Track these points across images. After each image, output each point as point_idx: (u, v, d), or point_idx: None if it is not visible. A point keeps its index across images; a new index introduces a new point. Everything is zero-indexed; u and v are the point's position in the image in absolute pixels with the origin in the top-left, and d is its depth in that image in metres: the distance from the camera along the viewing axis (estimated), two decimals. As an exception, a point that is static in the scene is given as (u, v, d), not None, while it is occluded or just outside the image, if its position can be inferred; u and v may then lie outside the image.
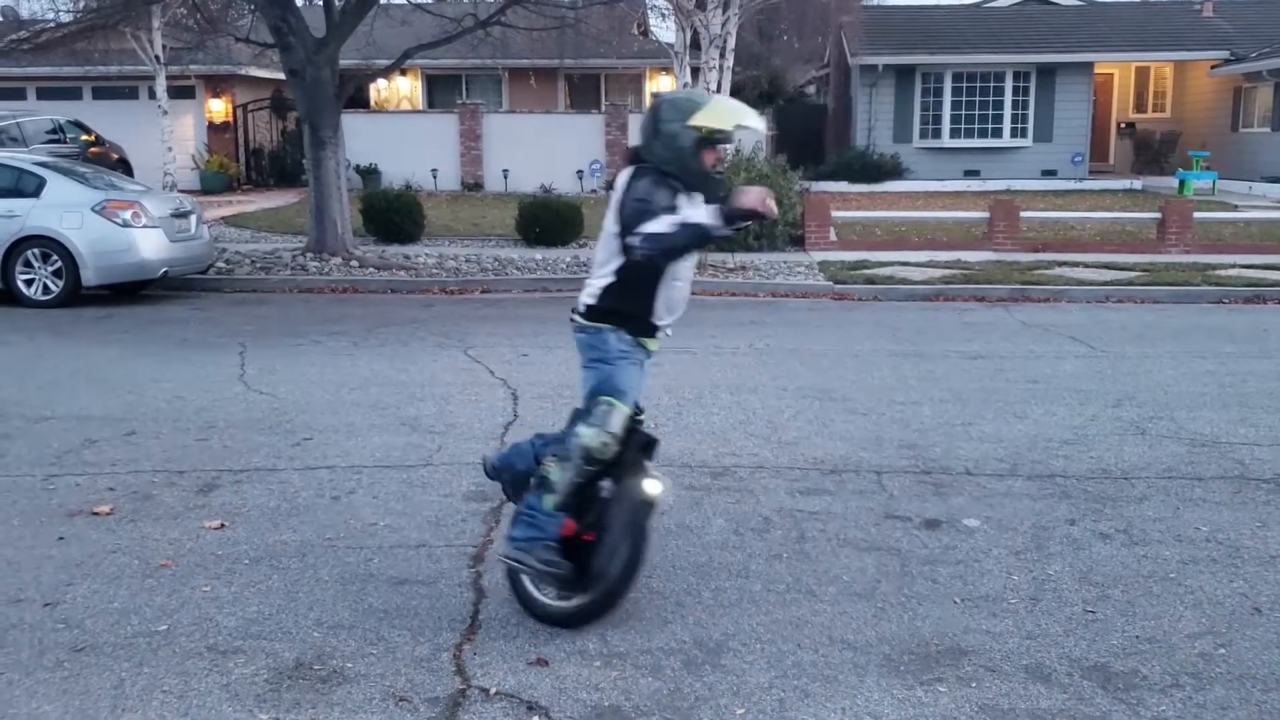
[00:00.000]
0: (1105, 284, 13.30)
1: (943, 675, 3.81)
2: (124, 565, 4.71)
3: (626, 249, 3.99)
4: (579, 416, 4.20)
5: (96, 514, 5.32)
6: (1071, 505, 5.54)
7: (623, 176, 4.15)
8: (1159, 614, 4.29)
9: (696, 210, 3.98)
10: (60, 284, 11.77)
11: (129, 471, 6.00)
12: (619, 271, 4.12)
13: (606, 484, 4.18)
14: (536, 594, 4.22)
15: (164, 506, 5.45)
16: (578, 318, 4.23)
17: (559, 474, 4.10)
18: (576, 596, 4.16)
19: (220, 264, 14.43)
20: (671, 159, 4.08)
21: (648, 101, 29.25)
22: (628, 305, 4.15)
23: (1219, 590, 4.52)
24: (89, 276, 11.82)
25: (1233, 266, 14.59)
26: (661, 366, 8.50)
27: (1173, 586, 4.56)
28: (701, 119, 4.04)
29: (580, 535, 4.19)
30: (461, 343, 9.76)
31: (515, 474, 4.44)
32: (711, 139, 4.08)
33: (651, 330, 4.23)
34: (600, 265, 4.18)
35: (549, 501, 4.11)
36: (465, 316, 11.38)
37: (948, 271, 14.20)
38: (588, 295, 4.20)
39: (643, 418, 4.29)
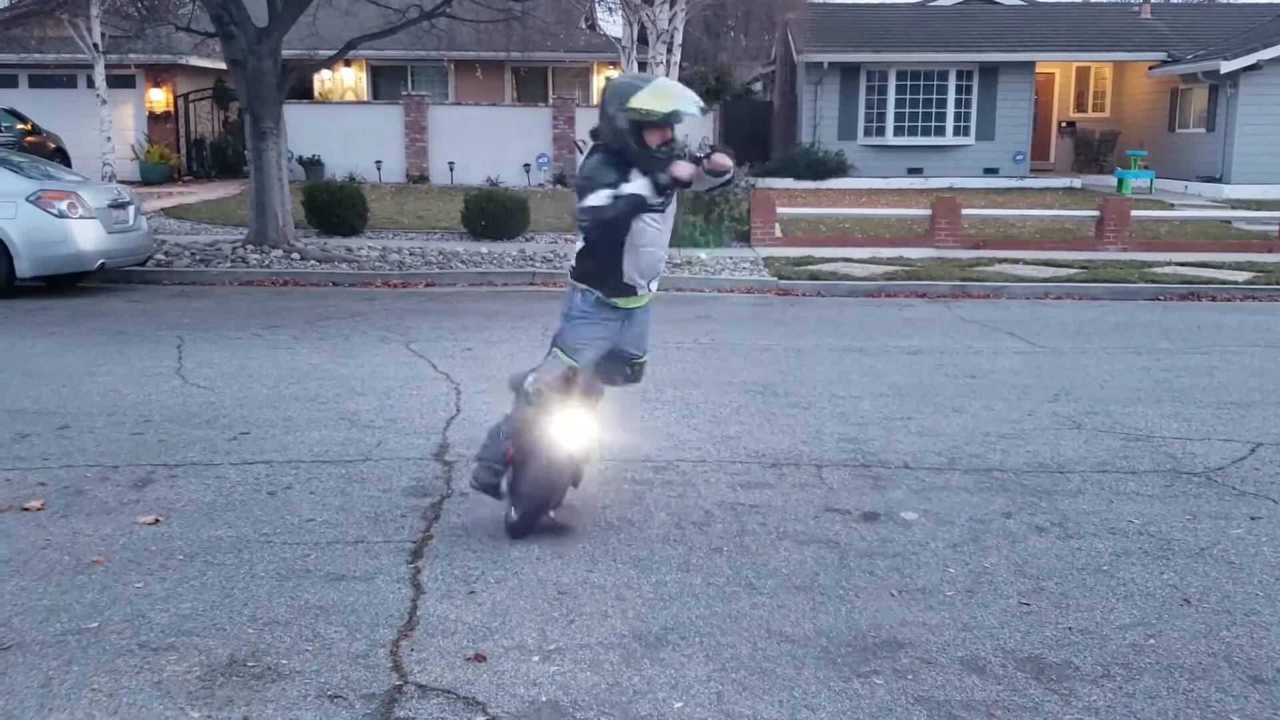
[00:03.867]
0: (1044, 281, 13.48)
1: (879, 668, 3.84)
2: (54, 561, 4.62)
3: (578, 221, 4.58)
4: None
5: (27, 509, 5.22)
6: (1008, 499, 5.61)
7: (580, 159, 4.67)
8: (1091, 606, 4.36)
9: (635, 183, 4.45)
10: (-7, 275, 11.53)
11: (61, 466, 5.89)
12: (586, 240, 4.69)
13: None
14: (510, 508, 4.95)
15: (97, 502, 5.35)
16: (569, 274, 4.84)
17: (512, 410, 4.86)
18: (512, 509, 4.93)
19: (159, 256, 14.20)
20: (614, 139, 4.52)
21: (596, 95, 29.27)
22: (598, 268, 4.67)
23: (1150, 582, 4.60)
24: (23, 268, 11.59)
25: (1168, 264, 14.85)
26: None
27: (1105, 579, 4.63)
28: (637, 101, 4.41)
29: (519, 462, 4.88)
30: (404, 337, 9.69)
31: None
32: (650, 121, 4.42)
33: (627, 290, 4.73)
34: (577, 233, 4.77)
35: (503, 430, 4.91)
36: (408, 310, 11.30)
37: (890, 268, 14.33)
38: (571, 258, 4.81)
39: (643, 359, 5.02)
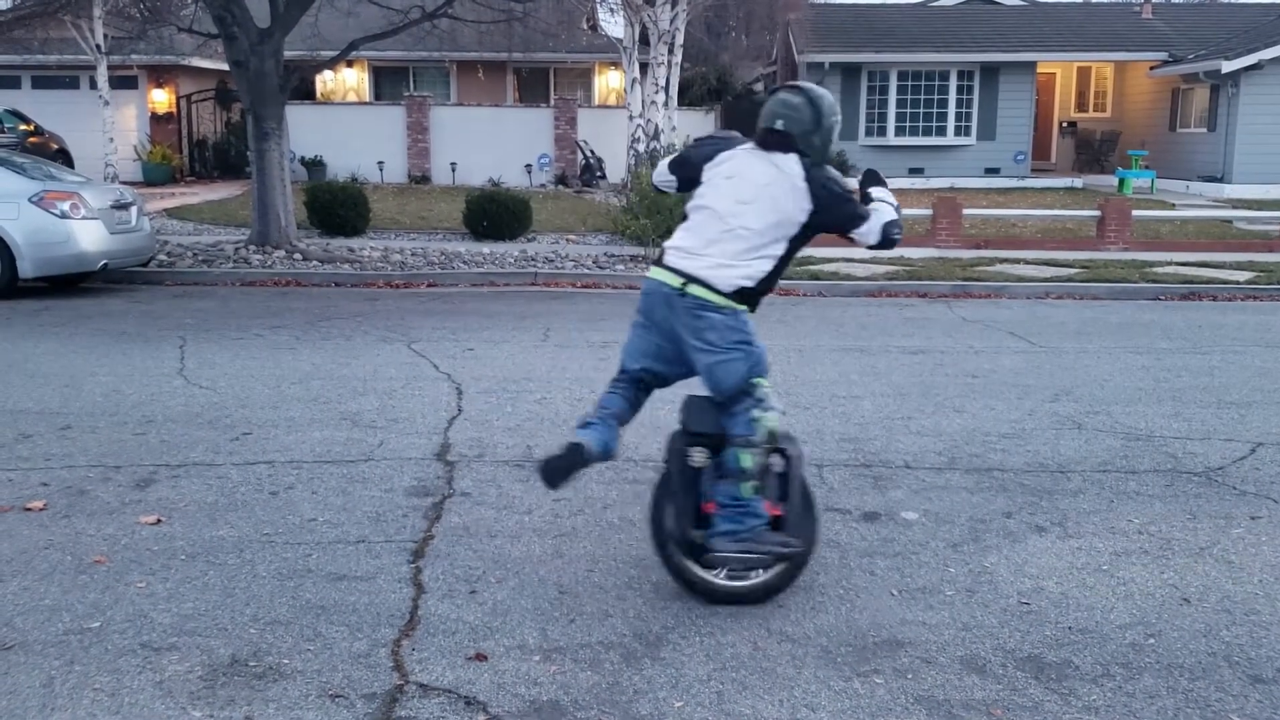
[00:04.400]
0: (1045, 280, 13.49)
1: (879, 667, 3.85)
2: (56, 561, 4.63)
3: (883, 241, 4.23)
4: (697, 404, 4.35)
5: (29, 509, 5.23)
6: (1008, 498, 5.61)
7: (794, 165, 4.18)
8: (1092, 605, 4.36)
9: (879, 191, 4.38)
10: (-5, 276, 11.56)
11: (64, 466, 5.90)
12: (781, 258, 4.22)
13: (776, 459, 4.25)
14: (700, 572, 4.29)
15: (99, 502, 5.36)
16: (713, 296, 4.12)
17: (750, 460, 4.10)
18: (755, 573, 4.26)
19: (161, 256, 14.23)
20: (823, 150, 4.27)
21: (598, 96, 29.32)
22: (770, 287, 4.27)
23: (1150, 582, 4.61)
24: (26, 269, 11.60)
25: (1169, 264, 14.85)
26: (606, 360, 8.50)
27: (1105, 578, 4.63)
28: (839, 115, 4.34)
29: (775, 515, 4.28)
30: (406, 337, 9.70)
31: (606, 458, 4.36)
32: None
33: (757, 308, 4.31)
34: (749, 251, 4.15)
35: (748, 489, 4.12)
36: (410, 310, 11.31)
37: (891, 268, 14.33)
38: (741, 276, 4.14)
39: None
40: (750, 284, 4.16)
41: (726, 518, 4.14)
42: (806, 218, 4.16)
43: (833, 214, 4.19)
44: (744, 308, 4.19)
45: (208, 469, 5.90)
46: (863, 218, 4.22)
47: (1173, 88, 26.87)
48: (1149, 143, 27.18)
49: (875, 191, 4.38)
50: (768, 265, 4.18)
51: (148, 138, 26.04)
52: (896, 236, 4.28)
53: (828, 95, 4.34)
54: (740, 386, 4.14)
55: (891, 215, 4.27)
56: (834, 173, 4.26)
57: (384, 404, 7.30)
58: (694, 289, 4.13)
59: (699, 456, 4.25)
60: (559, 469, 4.22)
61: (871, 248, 4.30)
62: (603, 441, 4.25)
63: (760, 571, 4.26)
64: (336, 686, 3.64)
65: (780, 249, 4.20)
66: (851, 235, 4.25)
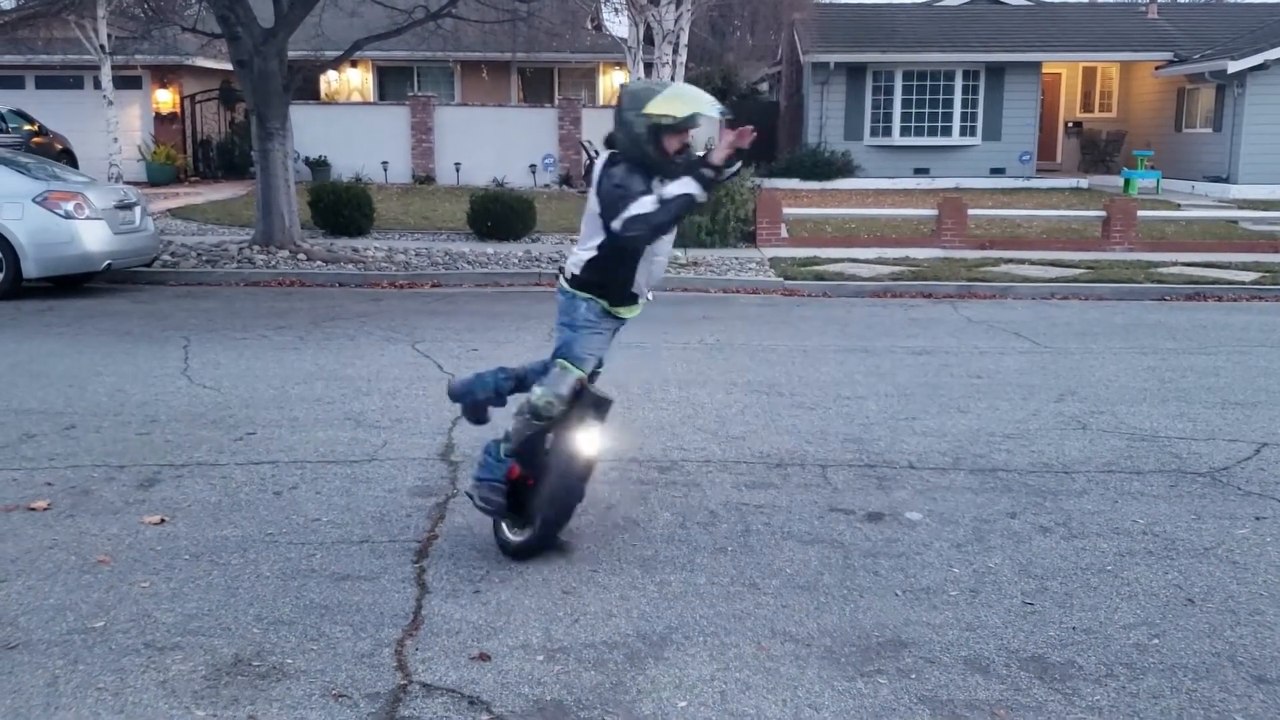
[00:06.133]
0: (1050, 281, 13.47)
1: (883, 667, 3.84)
2: (60, 561, 4.64)
3: (612, 233, 4.32)
4: (542, 371, 4.72)
5: (33, 509, 5.24)
6: (1012, 499, 5.60)
7: (600, 161, 4.43)
8: (1095, 605, 4.36)
9: (672, 186, 4.23)
10: (0, 276, 11.56)
11: (68, 466, 5.91)
12: (601, 248, 4.44)
13: (550, 436, 4.67)
14: (505, 529, 4.75)
15: (103, 501, 5.37)
16: (563, 281, 4.61)
17: (515, 425, 4.61)
18: (524, 532, 4.70)
19: (165, 257, 14.23)
20: (631, 146, 4.33)
21: (602, 96, 29.32)
22: (609, 278, 4.50)
23: (1154, 582, 4.60)
24: (30, 269, 11.62)
25: (1174, 264, 14.82)
26: (611, 361, 8.49)
27: (1109, 579, 4.63)
28: (654, 107, 4.25)
29: (525, 479, 4.72)
30: (410, 337, 9.71)
31: (475, 401, 4.96)
32: (668, 126, 4.26)
33: (631, 299, 4.60)
34: (584, 240, 4.52)
35: (503, 448, 4.64)
36: (414, 311, 11.32)
37: (896, 268, 14.32)
38: (573, 265, 4.56)
39: (601, 371, 4.81)
40: (577, 272, 4.54)
41: (481, 464, 4.72)
42: (599, 208, 4.38)
43: (604, 205, 4.34)
44: (584, 294, 4.53)
45: (212, 469, 5.90)
46: (617, 212, 4.23)
47: (1178, 88, 26.83)
48: (1154, 143, 27.14)
49: (670, 184, 4.25)
50: (590, 254, 4.48)
51: (152, 138, 26.07)
52: (631, 231, 4.20)
53: (633, 90, 4.38)
54: (551, 361, 4.63)
55: (641, 210, 4.17)
56: (619, 168, 4.32)
57: (388, 404, 7.30)
58: (559, 277, 4.68)
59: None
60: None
61: (616, 235, 4.29)
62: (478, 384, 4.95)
63: (521, 531, 4.71)
64: (340, 686, 3.64)
65: (598, 239, 4.43)
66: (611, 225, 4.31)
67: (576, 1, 24.24)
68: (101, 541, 4.86)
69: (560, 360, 4.56)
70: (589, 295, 4.51)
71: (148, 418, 6.90)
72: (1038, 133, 27.27)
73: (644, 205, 4.18)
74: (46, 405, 7.16)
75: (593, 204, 4.43)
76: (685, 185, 4.18)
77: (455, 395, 5.02)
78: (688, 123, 4.30)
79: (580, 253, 4.53)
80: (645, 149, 4.29)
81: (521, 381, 4.85)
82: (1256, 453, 6.43)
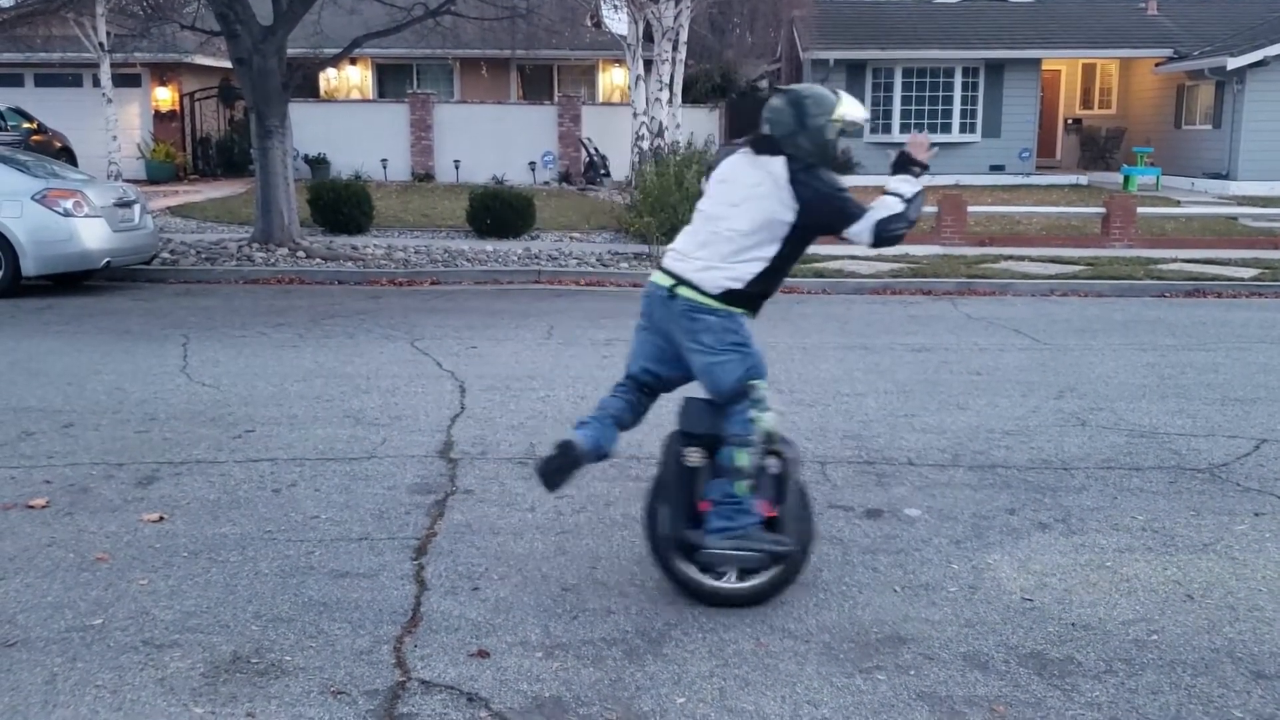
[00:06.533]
0: (1050, 278, 13.47)
1: (882, 663, 3.84)
2: (59, 559, 4.64)
3: (876, 240, 4.10)
4: (694, 405, 4.27)
5: (32, 507, 5.23)
6: (1011, 495, 5.60)
7: (774, 166, 4.15)
8: (1094, 601, 4.36)
9: (901, 185, 4.19)
10: (-1, 274, 11.57)
11: (66, 464, 5.90)
12: (775, 259, 4.16)
13: (772, 461, 4.23)
14: (707, 580, 4.25)
15: (101, 499, 5.37)
16: (705, 299, 4.14)
17: (746, 459, 4.10)
18: (756, 576, 4.22)
19: (165, 254, 14.23)
20: (815, 150, 4.19)
21: (602, 93, 29.32)
22: (767, 289, 4.23)
23: (1153, 578, 4.60)
24: (29, 266, 11.61)
25: (1174, 261, 14.82)
26: (610, 358, 8.50)
27: (1108, 575, 4.62)
28: (842, 112, 4.21)
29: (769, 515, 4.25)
30: (409, 335, 9.71)
31: (601, 456, 4.35)
32: (846, 131, 4.24)
33: (759, 310, 4.29)
34: (739, 253, 4.15)
35: (743, 487, 4.11)
36: (413, 308, 11.31)
37: (895, 265, 14.31)
38: (728, 278, 4.14)
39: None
40: (738, 285, 4.14)
41: (720, 514, 4.14)
42: (795, 218, 4.12)
43: (820, 213, 4.13)
44: (739, 310, 4.18)
45: (210, 466, 5.90)
46: (853, 216, 4.12)
47: (1178, 84, 26.82)
48: (1154, 140, 27.13)
49: (891, 182, 4.24)
50: (758, 267, 4.15)
51: (151, 135, 26.05)
52: (895, 232, 4.12)
53: (815, 95, 4.23)
54: (737, 388, 4.13)
55: (891, 210, 4.12)
56: (824, 173, 4.17)
57: (387, 402, 7.30)
58: (683, 290, 4.16)
59: (695, 456, 4.24)
60: (555, 469, 4.23)
61: (870, 246, 4.19)
62: (594, 439, 4.25)
63: (754, 576, 4.23)
64: (339, 683, 3.64)
65: (771, 250, 4.15)
66: (844, 235, 4.18)
67: (575, -2, 24.23)
68: (100, 539, 4.86)
69: (753, 382, 4.15)
70: (742, 309, 4.19)
71: (146, 415, 6.90)
72: (1037, 129, 27.24)
73: (891, 206, 4.12)
74: (45, 403, 7.16)
75: (753, 212, 4.13)
76: (915, 184, 4.20)
77: (587, 458, 4.27)
78: (863, 127, 4.42)
79: (737, 265, 4.14)
80: (830, 153, 4.21)
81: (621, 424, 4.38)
82: (1256, 449, 6.43)
